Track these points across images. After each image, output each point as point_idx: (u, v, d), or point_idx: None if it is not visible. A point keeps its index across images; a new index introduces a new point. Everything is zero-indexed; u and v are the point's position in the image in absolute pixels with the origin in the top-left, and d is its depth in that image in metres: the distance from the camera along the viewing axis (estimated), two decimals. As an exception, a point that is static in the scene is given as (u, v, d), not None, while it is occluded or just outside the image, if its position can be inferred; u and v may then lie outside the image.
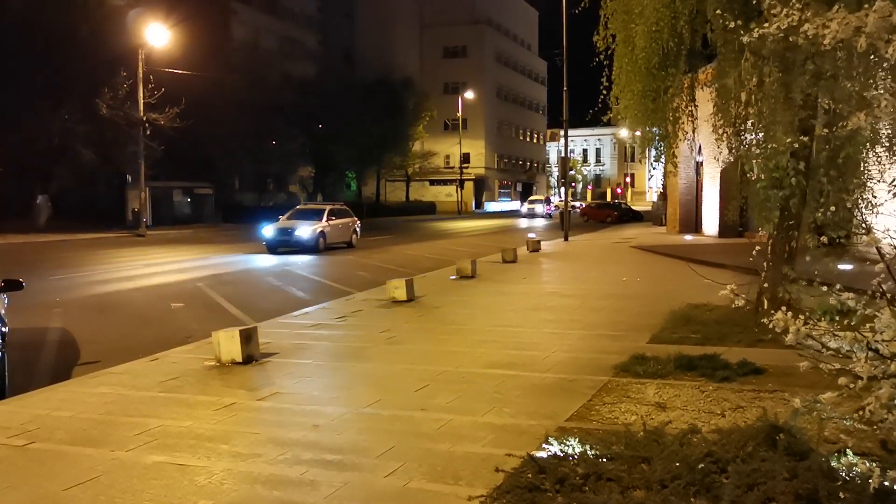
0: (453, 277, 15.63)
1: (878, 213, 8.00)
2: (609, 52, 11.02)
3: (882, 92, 5.05)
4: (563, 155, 34.13)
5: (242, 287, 16.34)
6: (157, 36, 35.95)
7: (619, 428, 5.26)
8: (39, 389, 7.03)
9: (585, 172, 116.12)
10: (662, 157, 12.48)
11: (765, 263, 9.25)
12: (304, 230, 24.61)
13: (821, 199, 8.10)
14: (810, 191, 8.53)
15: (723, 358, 7.17)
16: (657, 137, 12.06)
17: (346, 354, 8.38)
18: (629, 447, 4.68)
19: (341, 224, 27.04)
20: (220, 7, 53.46)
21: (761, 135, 9.13)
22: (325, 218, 25.72)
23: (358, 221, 28.50)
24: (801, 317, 3.71)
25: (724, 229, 26.05)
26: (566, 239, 28.53)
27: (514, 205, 79.19)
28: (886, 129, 7.48)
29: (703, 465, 4.27)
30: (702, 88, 11.27)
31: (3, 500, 4.41)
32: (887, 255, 3.77)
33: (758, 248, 7.91)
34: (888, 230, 4.37)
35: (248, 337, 7.90)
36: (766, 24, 3.85)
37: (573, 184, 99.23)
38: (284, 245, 24.49)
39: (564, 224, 30.23)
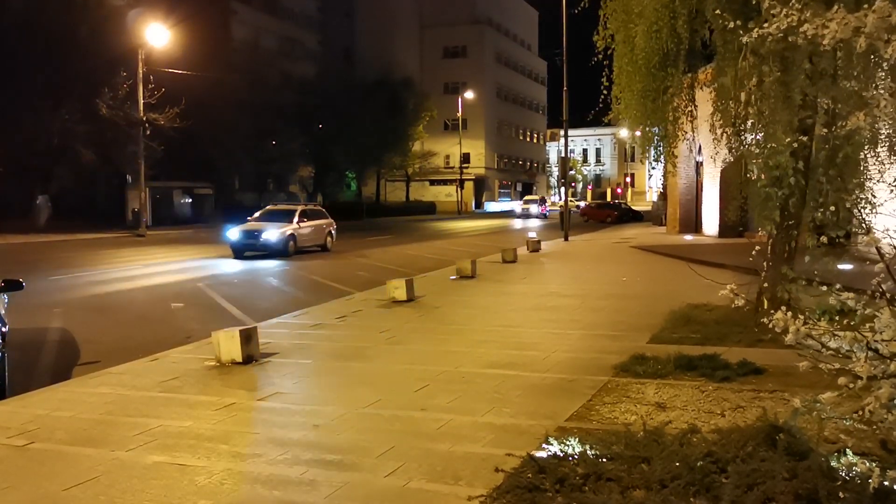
0: (453, 277, 15.63)
1: (877, 212, 8.00)
2: (609, 51, 11.03)
3: (882, 92, 5.06)
4: (563, 155, 34.15)
5: (243, 287, 16.34)
6: (157, 36, 35.94)
7: (619, 428, 5.26)
8: (39, 389, 7.03)
9: (585, 172, 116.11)
10: (662, 157, 12.48)
11: (764, 263, 9.25)
12: (272, 233, 22.92)
13: (820, 198, 8.10)
14: (810, 191, 8.54)
15: (723, 358, 7.17)
16: (657, 137, 12.06)
17: (346, 354, 8.38)
18: (629, 447, 4.69)
19: (314, 226, 25.18)
20: (220, 7, 53.44)
21: (761, 134, 9.13)
22: (295, 219, 24.05)
23: (333, 224, 26.60)
24: (801, 317, 3.71)
25: (724, 229, 26.05)
26: (566, 239, 28.53)
27: (515, 205, 79.08)
28: (886, 128, 7.49)
29: (702, 465, 4.27)
30: (701, 88, 11.28)
31: (3, 500, 4.42)
32: (887, 255, 3.78)
33: (757, 248, 7.92)
34: (888, 230, 4.37)
35: (248, 337, 7.90)
36: (766, 25, 3.85)
37: (573, 184, 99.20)
38: (251, 249, 22.84)
39: (564, 224, 30.24)
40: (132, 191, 40.93)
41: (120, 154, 39.85)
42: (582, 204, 66.93)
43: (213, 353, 7.91)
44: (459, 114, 74.45)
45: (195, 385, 7.05)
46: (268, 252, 22.74)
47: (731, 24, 5.40)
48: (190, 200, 47.36)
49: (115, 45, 36.71)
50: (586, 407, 6.06)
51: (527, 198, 69.99)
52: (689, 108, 11.44)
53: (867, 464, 3.64)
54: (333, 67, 66.33)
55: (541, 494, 4.15)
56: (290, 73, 58.99)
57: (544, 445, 4.91)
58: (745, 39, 4.43)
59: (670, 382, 6.70)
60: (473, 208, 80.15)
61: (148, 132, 36.42)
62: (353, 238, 33.81)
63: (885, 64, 5.30)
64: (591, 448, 4.74)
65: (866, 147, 7.99)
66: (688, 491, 4.05)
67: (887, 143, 7.87)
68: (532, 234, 26.24)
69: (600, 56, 11.16)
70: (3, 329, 7.09)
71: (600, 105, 11.81)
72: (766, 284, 9.19)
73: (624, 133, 57.72)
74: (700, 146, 27.35)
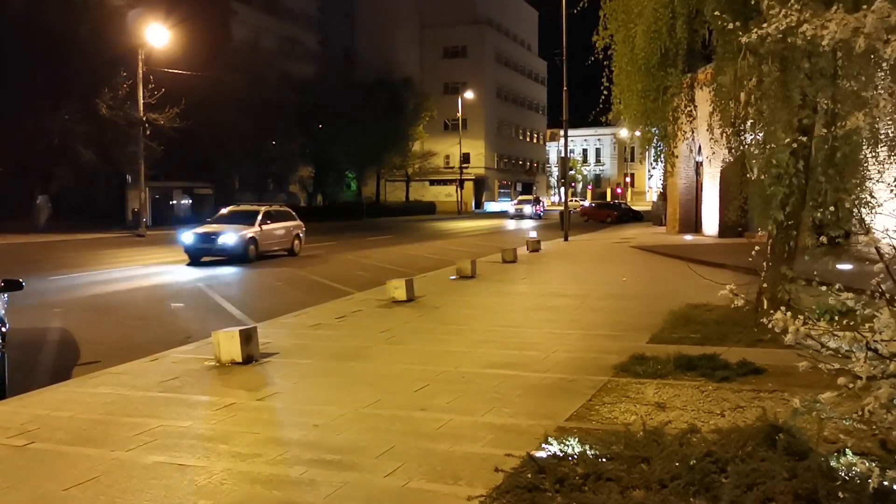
0: (453, 277, 15.63)
1: (877, 212, 8.00)
2: (609, 51, 11.04)
3: (881, 92, 5.06)
4: (562, 155, 34.15)
5: (244, 287, 16.34)
6: (157, 36, 35.95)
7: (619, 428, 5.26)
8: (39, 389, 7.03)
9: (585, 172, 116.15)
10: (662, 156, 12.49)
11: (764, 263, 9.25)
12: (230, 236, 20.92)
13: (820, 198, 8.10)
14: (809, 190, 8.54)
15: (722, 358, 7.17)
16: (657, 137, 12.07)
17: (345, 354, 8.38)
18: (629, 447, 4.69)
19: (279, 229, 23.26)
20: (220, 7, 53.46)
21: (761, 134, 9.14)
22: (258, 221, 22.08)
23: (302, 226, 24.64)
24: (801, 317, 3.72)
25: (724, 229, 26.05)
26: (566, 239, 28.54)
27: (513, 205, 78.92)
28: (885, 128, 7.49)
29: (702, 465, 4.27)
30: (701, 88, 11.28)
31: (2, 500, 4.42)
32: (886, 255, 3.78)
33: (757, 248, 7.91)
34: (887, 230, 4.38)
35: (247, 337, 7.90)
36: (765, 25, 3.86)
37: (573, 184, 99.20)
38: (207, 253, 21.05)
39: (564, 224, 30.24)
40: (132, 191, 40.96)
41: (120, 154, 39.87)
42: (586, 203, 65.93)
43: (212, 354, 7.91)
44: (459, 114, 74.45)
45: (195, 385, 7.06)
46: (226, 257, 21.05)
47: (731, 25, 5.40)
48: (190, 201, 47.37)
49: (115, 45, 36.72)
50: (586, 407, 6.06)
51: (520, 198, 67.33)
52: (689, 108, 11.44)
53: (867, 464, 3.64)
54: (333, 67, 66.37)
55: (540, 494, 4.15)
56: (290, 73, 59.02)
57: (544, 445, 4.91)
58: (744, 40, 4.43)
59: (670, 382, 6.70)
60: (473, 208, 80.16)
61: (148, 132, 36.44)
62: (353, 238, 33.85)
63: (884, 64, 5.31)
64: (590, 448, 4.74)
65: (866, 147, 8.00)
66: (687, 491, 4.05)
67: (887, 144, 7.88)
68: (532, 235, 26.20)
69: (600, 56, 11.17)
70: (4, 329, 7.09)
71: (600, 105, 11.82)
72: (765, 284, 9.19)
73: (624, 133, 57.72)
74: (700, 146, 27.36)
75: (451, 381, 6.99)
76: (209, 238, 21.04)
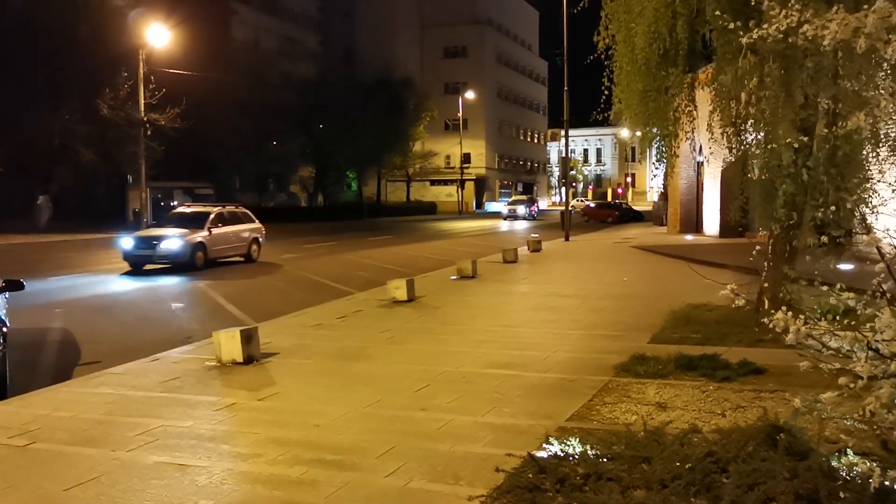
0: (454, 277, 15.63)
1: (878, 212, 8.00)
2: (609, 51, 11.03)
3: (881, 92, 5.06)
4: (563, 155, 34.14)
5: (244, 287, 16.35)
6: (158, 36, 35.92)
7: (620, 428, 5.26)
8: (40, 389, 7.04)
9: (586, 172, 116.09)
10: (663, 156, 12.48)
11: (765, 263, 9.25)
12: (173, 241, 18.71)
13: (821, 198, 8.09)
14: (810, 190, 8.53)
15: (723, 358, 7.17)
16: (657, 137, 12.06)
17: (346, 354, 8.39)
18: (630, 447, 4.69)
19: (234, 232, 20.94)
20: (221, 7, 53.50)
21: (762, 134, 9.13)
22: (207, 224, 19.80)
23: (262, 230, 22.34)
24: (802, 317, 3.71)
25: (725, 229, 26.04)
26: (567, 239, 28.54)
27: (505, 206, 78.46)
28: (886, 128, 7.48)
29: (703, 465, 4.27)
30: (702, 88, 11.27)
31: (4, 500, 4.42)
32: (887, 255, 3.78)
33: (758, 248, 7.92)
34: (888, 230, 4.37)
35: (248, 337, 7.91)
36: (766, 25, 3.85)
37: (574, 184, 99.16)
38: (148, 260, 18.83)
39: (565, 224, 30.24)
40: (133, 191, 41.00)
41: (121, 154, 39.89)
42: (591, 203, 64.44)
43: (213, 354, 7.92)
44: (460, 114, 74.42)
45: (196, 385, 7.06)
46: (169, 264, 18.78)
47: (731, 25, 5.39)
48: (190, 200, 47.40)
49: (115, 45, 36.74)
50: (587, 407, 6.06)
51: (513, 198, 63.99)
52: (690, 108, 11.43)
53: (868, 464, 3.64)
54: (334, 67, 66.34)
55: (541, 494, 4.15)
56: (291, 73, 59.03)
57: (545, 445, 4.91)
58: (744, 40, 4.43)
59: (671, 382, 6.70)
60: (474, 208, 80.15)
61: (149, 132, 36.42)
62: (354, 238, 33.84)
63: (885, 64, 5.30)
64: (591, 448, 4.74)
65: (867, 147, 7.99)
66: (688, 491, 4.05)
67: (887, 144, 7.87)
68: (534, 235, 26.18)
69: (601, 56, 11.16)
70: (4, 329, 7.10)
71: (601, 105, 11.81)
72: (766, 284, 9.19)
73: (625, 133, 57.68)
74: (700, 146, 27.33)
75: (452, 382, 6.99)
76: (150, 243, 18.87)
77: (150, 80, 36.08)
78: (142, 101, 35.73)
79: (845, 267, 7.43)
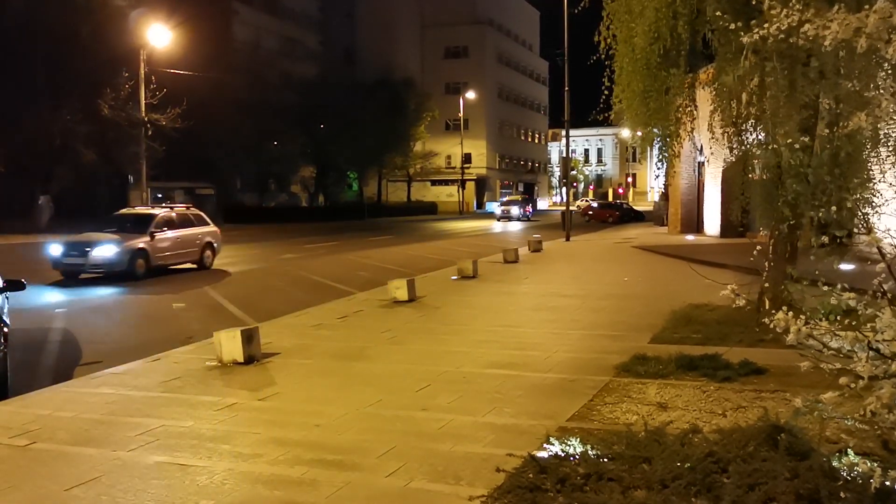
0: (455, 278, 15.63)
1: (880, 213, 7.99)
2: (610, 51, 11.01)
3: (881, 92, 5.06)
4: (564, 155, 34.14)
5: (244, 287, 16.35)
6: (159, 36, 35.93)
7: (621, 428, 5.26)
8: (41, 389, 7.04)
9: (587, 172, 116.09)
10: (665, 157, 12.47)
11: (766, 263, 9.25)
12: (108, 248, 16.54)
13: (822, 198, 8.09)
14: (812, 190, 8.52)
15: (724, 358, 7.17)
16: (658, 137, 12.05)
17: (347, 354, 8.39)
18: (630, 447, 4.69)
19: (182, 237, 18.71)
20: (222, 8, 53.52)
21: (762, 134, 9.13)
22: (150, 228, 17.68)
23: (217, 233, 20.35)
24: (802, 317, 3.71)
25: (726, 229, 26.03)
26: (568, 239, 28.54)
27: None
28: (888, 129, 7.47)
29: (703, 465, 4.27)
30: (703, 88, 11.25)
31: (5, 500, 4.42)
32: (888, 255, 3.77)
33: (759, 248, 7.91)
34: (889, 230, 4.37)
35: (249, 337, 7.91)
36: (767, 25, 3.85)
37: (575, 184, 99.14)
38: (79, 269, 16.67)
39: (566, 224, 30.25)
40: (134, 191, 41.03)
41: (121, 154, 39.89)
42: (593, 203, 63.49)
43: (214, 354, 7.92)
44: (461, 114, 74.40)
45: (197, 385, 7.06)
46: (104, 273, 16.52)
47: (732, 25, 5.40)
48: (191, 201, 47.43)
49: (116, 45, 36.75)
50: (587, 407, 6.06)
51: (507, 198, 60.77)
52: (690, 109, 11.42)
53: (869, 464, 3.64)
54: (334, 67, 66.40)
55: (542, 494, 4.16)
56: (291, 73, 59.06)
57: (545, 445, 4.91)
58: (745, 40, 4.43)
59: (672, 382, 6.70)
60: (475, 208, 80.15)
61: (149, 132, 36.43)
62: (355, 238, 33.85)
63: (886, 64, 5.30)
64: (592, 448, 4.74)
65: (868, 147, 7.98)
66: (689, 491, 4.05)
67: (888, 143, 7.86)
68: (536, 235, 26.16)
69: (602, 56, 11.14)
70: (5, 329, 7.11)
71: (601, 105, 11.79)
72: (767, 284, 9.19)
73: (626, 133, 57.50)
74: (701, 146, 27.34)
75: (453, 382, 6.99)
76: (82, 250, 16.56)
77: (150, 80, 36.09)
78: (143, 102, 35.74)
79: (846, 267, 7.43)
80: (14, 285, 7.65)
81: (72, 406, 6.36)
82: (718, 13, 7.71)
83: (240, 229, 40.38)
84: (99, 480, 4.66)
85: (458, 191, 75.59)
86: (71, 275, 16.82)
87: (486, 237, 36.16)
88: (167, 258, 18.31)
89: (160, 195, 43.15)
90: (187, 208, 20.36)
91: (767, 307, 8.51)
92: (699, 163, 30.26)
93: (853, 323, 3.79)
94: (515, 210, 53.86)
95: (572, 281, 15.84)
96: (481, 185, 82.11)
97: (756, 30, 4.06)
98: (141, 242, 17.27)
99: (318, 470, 4.77)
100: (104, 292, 15.24)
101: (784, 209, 8.74)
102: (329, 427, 5.66)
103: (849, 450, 4.21)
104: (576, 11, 12.50)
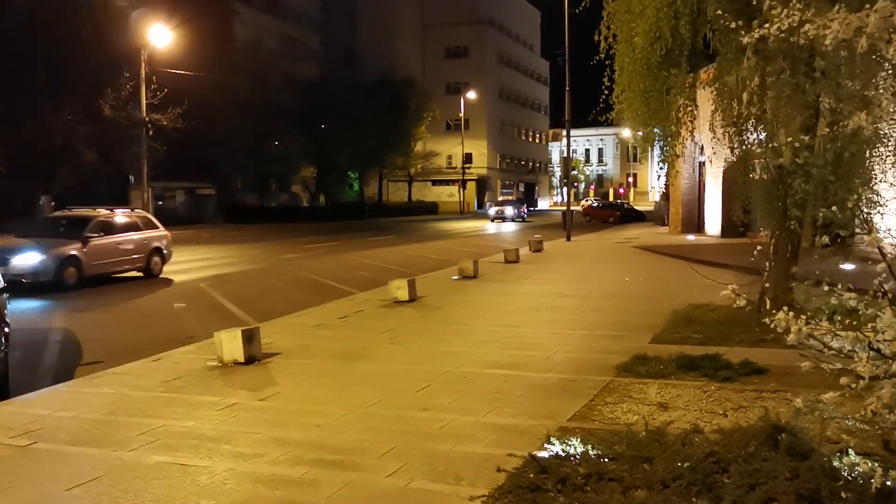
0: (455, 278, 15.63)
1: (881, 213, 7.99)
2: (611, 51, 11.00)
3: (882, 91, 5.05)
4: (565, 155, 34.12)
5: (245, 287, 16.35)
6: (160, 37, 35.95)
7: (621, 428, 5.26)
8: (42, 389, 7.05)
9: (588, 172, 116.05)
10: (665, 157, 12.46)
11: (767, 263, 9.24)
12: (30, 255, 14.85)
13: (824, 198, 8.09)
14: (812, 190, 8.52)
15: (725, 358, 7.17)
16: (659, 137, 12.05)
17: (348, 354, 8.39)
18: (631, 447, 4.69)
19: (123, 242, 16.86)
20: (223, 8, 53.52)
21: (763, 134, 9.12)
22: (84, 233, 15.93)
23: (167, 237, 18.45)
24: (803, 317, 3.71)
25: (727, 229, 26.03)
26: (568, 239, 28.53)
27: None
28: (889, 129, 7.48)
29: (704, 465, 4.27)
30: (704, 88, 11.25)
31: (5, 500, 4.43)
32: (889, 255, 3.77)
33: (759, 248, 7.91)
34: (889, 230, 4.37)
35: (250, 337, 7.91)
36: (767, 25, 3.85)
37: (576, 184, 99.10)
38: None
39: (567, 224, 30.25)
40: (135, 191, 41.04)
41: (122, 154, 39.94)
42: (595, 203, 62.78)
43: (215, 354, 7.92)
44: (461, 114, 74.41)
45: (197, 385, 7.06)
46: (28, 283, 14.35)
47: (733, 25, 5.39)
48: (192, 201, 47.47)
49: (117, 45, 36.77)
50: (588, 407, 6.05)
51: (501, 198, 59.74)
52: (691, 108, 11.42)
53: (869, 464, 3.63)
54: (335, 67, 66.43)
55: (542, 494, 4.15)
56: (292, 73, 59.12)
57: (546, 445, 4.90)
58: (745, 40, 4.42)
59: (672, 382, 6.70)
60: (476, 208, 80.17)
61: (150, 132, 36.44)
62: (355, 238, 33.85)
63: (886, 64, 5.30)
64: (592, 448, 4.74)
65: (869, 147, 7.98)
66: (690, 491, 4.05)
67: (890, 143, 7.86)
68: (537, 235, 26.15)
69: (602, 56, 11.14)
70: (6, 329, 7.12)
71: (602, 105, 11.79)
72: (768, 284, 9.18)
73: (626, 133, 57.47)
74: (702, 146, 27.34)
75: (453, 382, 6.99)
76: (1, 257, 14.75)
77: (151, 80, 36.11)
78: (143, 102, 35.76)
79: (847, 267, 7.43)
80: (15, 285, 7.65)
81: (73, 406, 6.36)
82: (719, 13, 7.70)
83: (240, 229, 40.47)
84: (100, 480, 4.67)
85: (459, 191, 75.58)
86: None
87: (487, 237, 36.17)
88: (105, 266, 16.39)
89: (160, 196, 43.11)
90: (132, 210, 18.87)
91: (768, 307, 8.50)
92: (700, 163, 30.26)
93: (854, 323, 3.79)
94: (510, 210, 53.08)
95: (573, 281, 15.83)
96: (482, 185, 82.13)
97: (757, 30, 4.06)
98: (72, 249, 15.39)
99: (318, 470, 4.77)
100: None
101: (793, 208, 8.74)
102: (330, 427, 5.66)
103: (849, 450, 4.21)
104: (577, 11, 12.49)
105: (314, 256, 24.13)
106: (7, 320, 7.30)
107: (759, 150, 9.21)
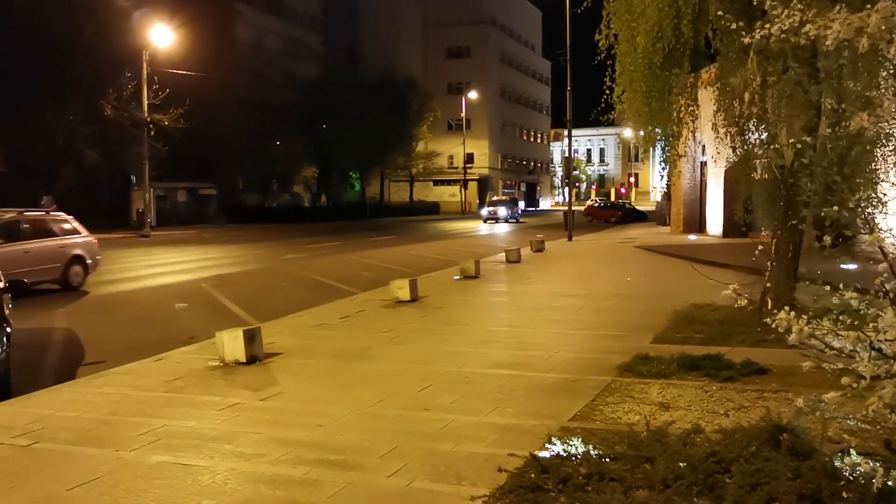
0: (457, 277, 15.63)
1: (884, 212, 7.98)
2: (612, 51, 11.00)
3: (883, 91, 5.05)
4: (566, 155, 34.11)
5: (246, 287, 16.36)
6: (162, 37, 36.07)
7: (623, 428, 5.26)
8: (44, 389, 7.05)
9: (589, 172, 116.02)
10: (667, 157, 12.46)
11: (768, 263, 9.24)
12: None
13: (826, 197, 8.08)
14: (814, 190, 8.51)
15: (726, 358, 7.16)
16: (660, 137, 12.04)
17: (349, 354, 8.39)
18: (632, 447, 4.68)
19: (33, 250, 14.61)
20: (224, 8, 53.58)
21: (765, 134, 9.11)
22: None
23: (91, 243, 16.36)
24: (805, 317, 3.71)
25: (728, 229, 26.01)
26: (570, 239, 28.53)
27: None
28: (890, 129, 7.47)
29: (705, 465, 4.27)
30: (705, 88, 11.24)
31: (7, 500, 4.43)
32: (890, 255, 3.77)
33: (761, 247, 7.90)
34: (891, 229, 4.37)
35: (251, 337, 7.92)
36: (768, 25, 3.85)
37: (577, 184, 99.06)
38: None
39: (568, 224, 30.24)
40: (136, 191, 41.09)
41: (124, 154, 40.00)
42: (597, 203, 62.28)
43: (216, 354, 7.93)
44: (463, 114, 74.43)
45: (199, 385, 7.07)
46: None
47: (734, 25, 5.39)
48: (194, 201, 47.49)
49: (119, 45, 36.83)
50: (589, 407, 6.05)
51: (494, 199, 56.95)
52: (693, 108, 11.41)
53: (871, 464, 3.63)
54: (337, 67, 66.40)
55: (543, 494, 4.15)
56: (294, 73, 59.15)
57: (547, 445, 4.90)
58: (747, 40, 4.42)
59: (674, 382, 6.69)
60: (477, 209, 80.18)
61: (152, 133, 36.53)
62: (357, 238, 33.86)
63: (888, 64, 5.30)
64: (594, 448, 4.73)
65: (870, 147, 7.97)
66: (691, 491, 4.04)
67: (890, 143, 7.85)
68: (539, 235, 26.15)
69: (603, 56, 11.13)
70: (8, 329, 7.12)
71: (603, 105, 11.78)
72: (769, 284, 9.18)
73: (628, 133, 57.33)
74: (704, 146, 27.31)
75: (455, 382, 6.99)
76: None
77: (153, 80, 36.19)
78: (145, 102, 35.84)
79: (848, 266, 7.42)
80: (16, 285, 7.66)
81: (74, 406, 6.37)
82: (720, 13, 7.69)
83: (242, 229, 40.51)
84: (101, 480, 4.67)
85: (461, 191, 75.58)
86: None
87: (488, 237, 36.17)
88: (16, 276, 13.12)
89: (162, 196, 43.04)
90: (45, 213, 15.91)
91: (770, 307, 8.49)
92: (701, 162, 30.23)
93: (855, 322, 3.79)
94: (503, 211, 51.85)
95: (575, 281, 15.83)
96: (483, 185, 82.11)
97: (758, 30, 4.06)
98: None
99: (320, 470, 4.77)
100: None
101: (795, 208, 8.73)
102: (331, 427, 5.67)
103: (851, 450, 4.21)
104: (578, 11, 12.47)
105: (316, 256, 24.13)
106: (9, 320, 7.30)
107: (760, 150, 9.20)
